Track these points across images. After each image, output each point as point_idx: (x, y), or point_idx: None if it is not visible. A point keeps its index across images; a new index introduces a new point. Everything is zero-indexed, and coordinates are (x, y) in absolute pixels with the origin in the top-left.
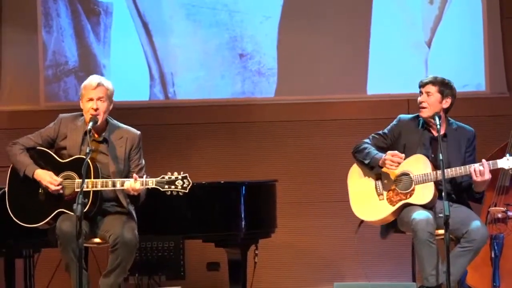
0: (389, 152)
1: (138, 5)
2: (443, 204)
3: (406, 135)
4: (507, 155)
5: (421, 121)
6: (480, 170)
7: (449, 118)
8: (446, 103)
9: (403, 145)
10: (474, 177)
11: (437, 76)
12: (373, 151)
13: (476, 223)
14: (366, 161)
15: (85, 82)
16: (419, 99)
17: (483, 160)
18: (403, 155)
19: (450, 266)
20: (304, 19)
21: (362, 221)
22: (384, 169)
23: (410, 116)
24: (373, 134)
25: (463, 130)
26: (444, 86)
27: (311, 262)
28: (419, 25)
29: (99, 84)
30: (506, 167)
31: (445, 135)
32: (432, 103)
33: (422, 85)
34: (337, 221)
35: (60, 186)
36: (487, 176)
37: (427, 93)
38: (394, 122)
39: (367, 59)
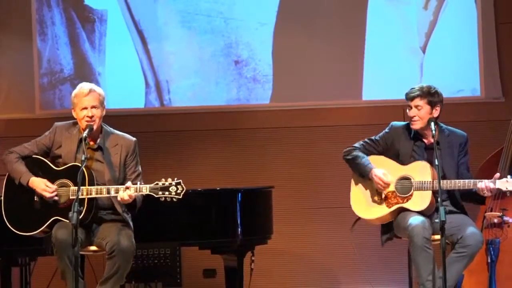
0: (379, 174)
1: (133, 13)
2: (438, 209)
3: (398, 143)
4: (509, 176)
5: (413, 130)
6: (483, 188)
7: (441, 125)
8: (436, 111)
9: (396, 152)
10: (480, 193)
11: (422, 87)
12: (363, 161)
13: (471, 229)
14: (357, 172)
15: (76, 91)
16: (409, 113)
17: (486, 181)
18: (388, 182)
19: (446, 272)
20: (299, 26)
21: (358, 218)
22: (386, 171)
23: (402, 123)
24: (365, 140)
25: (455, 135)
26: (432, 96)
27: (308, 268)
28: (414, 31)
29: (91, 91)
30: (504, 189)
31: (437, 143)
32: (422, 115)
33: (409, 98)
34: (333, 227)
35: (55, 193)
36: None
37: (416, 106)
38: (386, 129)
39: (362, 65)
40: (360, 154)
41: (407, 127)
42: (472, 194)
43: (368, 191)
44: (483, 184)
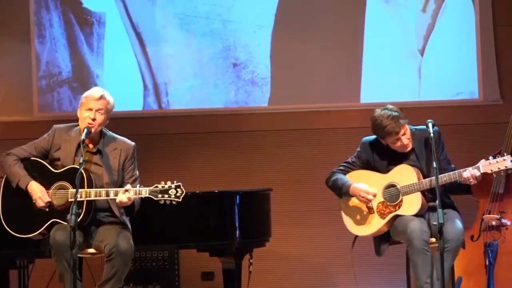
0: (363, 188)
1: (131, 15)
2: (433, 212)
3: (372, 160)
4: (490, 158)
5: (385, 144)
6: (469, 177)
7: (410, 127)
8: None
9: (373, 168)
10: (466, 182)
11: (395, 113)
12: (340, 181)
13: (452, 223)
14: (340, 194)
15: (88, 92)
16: (401, 143)
17: (470, 169)
18: (374, 192)
19: (434, 269)
20: (297, 28)
21: (356, 236)
22: (369, 183)
23: (372, 138)
24: (342, 163)
25: (426, 132)
26: (404, 116)
27: (306, 270)
28: (412, 33)
29: (101, 97)
30: (489, 171)
31: (413, 149)
32: (409, 136)
33: (396, 132)
34: (331, 230)
35: (46, 205)
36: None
37: (404, 134)
38: (359, 148)
39: (360, 68)
40: (339, 175)
41: (377, 141)
42: (458, 185)
43: (358, 209)
44: (468, 173)
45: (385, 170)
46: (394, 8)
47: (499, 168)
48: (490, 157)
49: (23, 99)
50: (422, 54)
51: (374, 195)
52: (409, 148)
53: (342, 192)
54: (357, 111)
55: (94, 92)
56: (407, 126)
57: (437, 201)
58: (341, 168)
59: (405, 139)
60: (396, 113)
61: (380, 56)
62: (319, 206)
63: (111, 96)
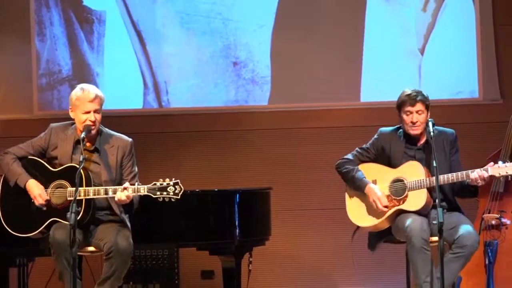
0: (377, 195)
1: (131, 14)
2: (436, 210)
3: (389, 148)
4: (500, 162)
5: (402, 133)
6: (477, 178)
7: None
8: (428, 115)
9: (387, 158)
10: (474, 183)
11: (419, 91)
12: (357, 175)
13: (467, 229)
14: (351, 186)
15: (79, 93)
16: (411, 119)
17: (478, 171)
18: (386, 204)
19: (444, 273)
20: (298, 27)
21: (357, 228)
22: (378, 177)
23: (390, 128)
24: (357, 149)
25: (445, 134)
26: (428, 100)
27: (306, 270)
28: (413, 32)
29: (96, 96)
30: (497, 175)
31: (427, 142)
32: (423, 120)
33: (411, 104)
34: (331, 229)
35: (45, 203)
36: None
37: (418, 111)
38: (375, 136)
39: (360, 67)
40: (355, 167)
41: (396, 131)
42: (465, 187)
43: (364, 200)
44: (476, 174)
45: (399, 159)
46: (394, 7)
47: (507, 173)
48: (500, 162)
49: (23, 97)
50: (422, 53)
51: (385, 207)
52: (419, 131)
53: (356, 186)
54: (357, 110)
55: (87, 93)
56: (425, 109)
57: (437, 200)
58: (356, 154)
59: (416, 117)
60: (420, 92)
61: (380, 55)
62: (319, 204)
63: (99, 90)
